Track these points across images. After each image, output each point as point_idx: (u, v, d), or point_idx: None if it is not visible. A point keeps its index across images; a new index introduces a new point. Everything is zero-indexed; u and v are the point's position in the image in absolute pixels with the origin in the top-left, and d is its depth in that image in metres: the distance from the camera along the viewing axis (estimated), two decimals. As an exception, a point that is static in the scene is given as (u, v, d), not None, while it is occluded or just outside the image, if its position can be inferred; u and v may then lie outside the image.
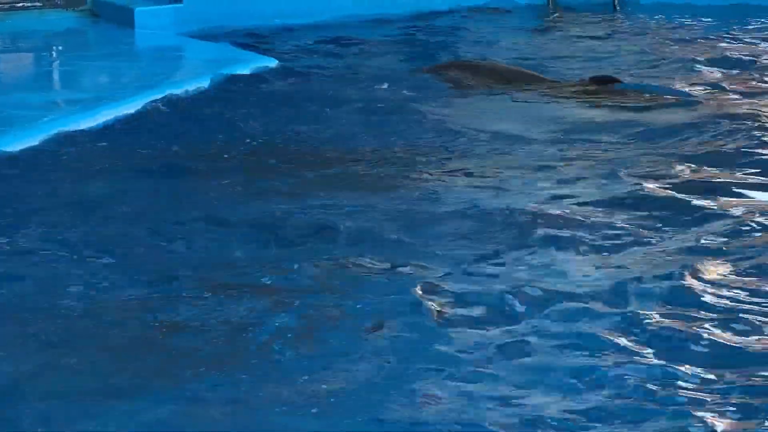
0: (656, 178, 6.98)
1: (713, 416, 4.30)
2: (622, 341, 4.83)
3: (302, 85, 9.64)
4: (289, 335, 4.97)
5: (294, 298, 5.33)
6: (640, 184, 6.85)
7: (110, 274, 5.67)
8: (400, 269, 5.66)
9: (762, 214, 6.32)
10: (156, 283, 5.53)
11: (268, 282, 5.53)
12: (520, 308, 5.18)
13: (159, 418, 4.36)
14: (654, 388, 4.48)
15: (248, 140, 7.99)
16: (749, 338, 4.89)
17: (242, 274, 5.63)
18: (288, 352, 4.83)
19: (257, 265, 5.73)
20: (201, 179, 7.13)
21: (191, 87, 9.17)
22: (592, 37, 11.69)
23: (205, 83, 9.31)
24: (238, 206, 6.59)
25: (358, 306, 5.23)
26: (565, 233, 6.04)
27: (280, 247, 6.00)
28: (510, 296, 5.26)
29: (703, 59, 10.49)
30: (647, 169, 7.20)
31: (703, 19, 12.49)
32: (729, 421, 4.29)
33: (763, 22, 12.24)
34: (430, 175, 7.19)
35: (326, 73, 10.14)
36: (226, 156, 7.65)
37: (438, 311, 5.13)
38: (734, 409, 4.36)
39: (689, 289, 5.34)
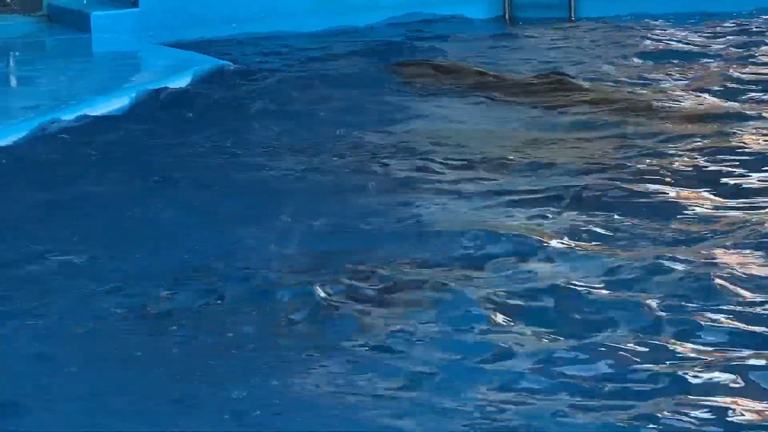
0: (612, 176, 7.04)
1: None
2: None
3: (259, 89, 9.64)
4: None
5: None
6: (595, 181, 6.93)
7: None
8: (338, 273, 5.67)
9: (711, 207, 6.40)
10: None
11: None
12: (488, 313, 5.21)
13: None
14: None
15: (202, 146, 7.97)
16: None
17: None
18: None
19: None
20: (150, 187, 7.10)
21: (148, 91, 9.16)
22: (548, 44, 11.76)
23: (162, 88, 9.30)
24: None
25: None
26: (525, 232, 6.10)
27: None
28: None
29: (657, 64, 10.60)
30: (604, 167, 7.27)
31: (658, 25, 12.59)
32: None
33: (717, 27, 12.34)
34: (389, 177, 7.22)
35: (283, 77, 10.14)
36: (176, 163, 7.62)
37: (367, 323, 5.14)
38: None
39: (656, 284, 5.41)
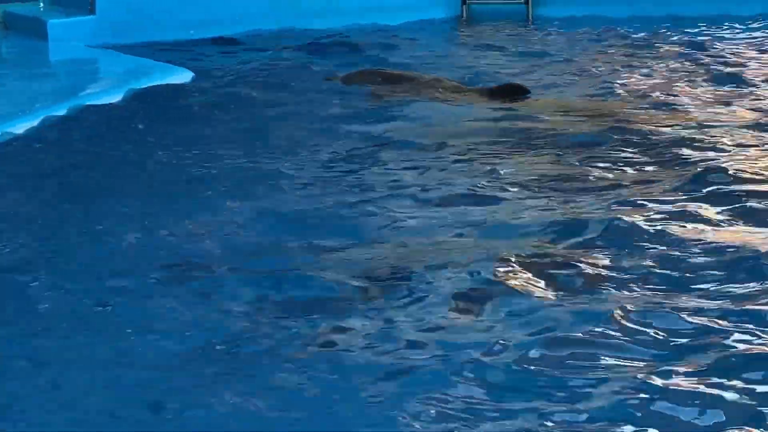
0: (565, 187, 7.06)
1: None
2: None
3: (216, 96, 9.63)
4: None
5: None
6: (546, 191, 6.95)
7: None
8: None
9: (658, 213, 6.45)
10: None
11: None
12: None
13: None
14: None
15: (156, 153, 7.95)
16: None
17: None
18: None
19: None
20: (96, 196, 7.07)
21: (104, 99, 9.16)
22: (505, 49, 11.81)
23: (118, 95, 9.30)
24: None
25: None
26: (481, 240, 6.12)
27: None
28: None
29: (614, 69, 10.65)
30: (554, 174, 7.29)
31: (615, 30, 12.67)
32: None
33: (671, 33, 12.44)
34: (339, 182, 7.24)
35: (240, 84, 10.14)
36: (128, 171, 7.60)
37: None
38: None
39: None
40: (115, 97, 9.24)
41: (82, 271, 5.78)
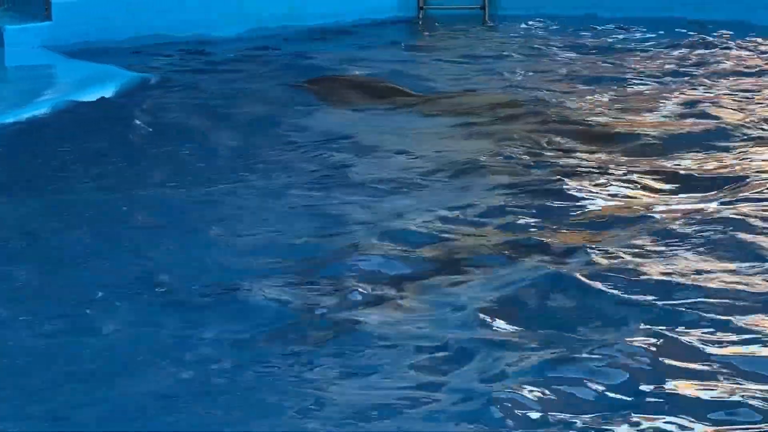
0: (518, 189, 7.15)
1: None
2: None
3: (174, 101, 9.63)
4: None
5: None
6: (504, 195, 7.02)
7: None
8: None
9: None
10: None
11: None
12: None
13: None
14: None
15: (114, 159, 7.95)
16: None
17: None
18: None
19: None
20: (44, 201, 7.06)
21: (61, 105, 9.13)
22: (461, 51, 11.85)
23: (76, 101, 9.27)
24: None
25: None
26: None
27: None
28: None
29: (570, 71, 10.73)
30: (508, 179, 7.36)
31: (572, 32, 12.73)
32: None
33: (626, 36, 12.51)
34: (299, 188, 7.27)
35: (199, 89, 10.14)
36: (78, 178, 7.59)
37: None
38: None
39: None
40: (71, 103, 9.21)
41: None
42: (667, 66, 10.73)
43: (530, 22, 13.14)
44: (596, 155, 7.82)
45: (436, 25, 13.35)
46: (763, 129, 8.32)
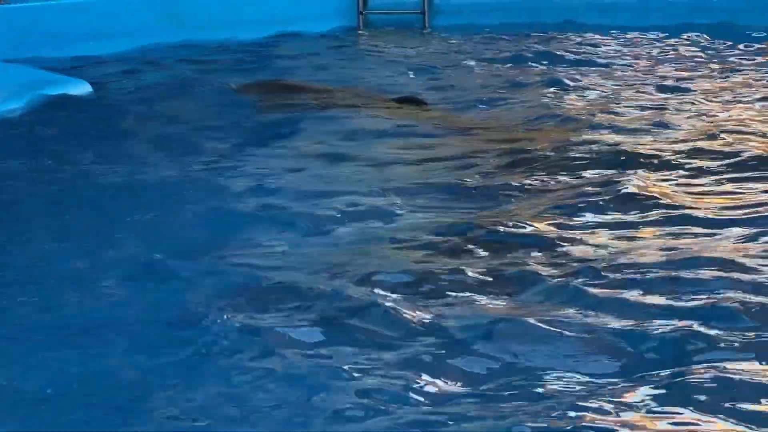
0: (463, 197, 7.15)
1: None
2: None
3: (113, 108, 9.64)
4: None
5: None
6: (438, 203, 7.03)
7: None
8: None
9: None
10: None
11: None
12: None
13: None
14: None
15: (52, 168, 7.93)
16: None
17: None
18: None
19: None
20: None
21: (-1, 112, 9.12)
22: (401, 56, 11.94)
23: (10, 108, 9.24)
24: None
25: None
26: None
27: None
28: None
29: (509, 78, 10.81)
30: (451, 185, 7.37)
31: (512, 37, 12.85)
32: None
33: (571, 41, 12.64)
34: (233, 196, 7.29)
35: (138, 96, 10.16)
36: (21, 188, 7.57)
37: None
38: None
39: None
40: (5, 110, 9.19)
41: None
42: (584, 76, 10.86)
43: (470, 29, 13.26)
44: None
45: (376, 30, 13.44)
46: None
